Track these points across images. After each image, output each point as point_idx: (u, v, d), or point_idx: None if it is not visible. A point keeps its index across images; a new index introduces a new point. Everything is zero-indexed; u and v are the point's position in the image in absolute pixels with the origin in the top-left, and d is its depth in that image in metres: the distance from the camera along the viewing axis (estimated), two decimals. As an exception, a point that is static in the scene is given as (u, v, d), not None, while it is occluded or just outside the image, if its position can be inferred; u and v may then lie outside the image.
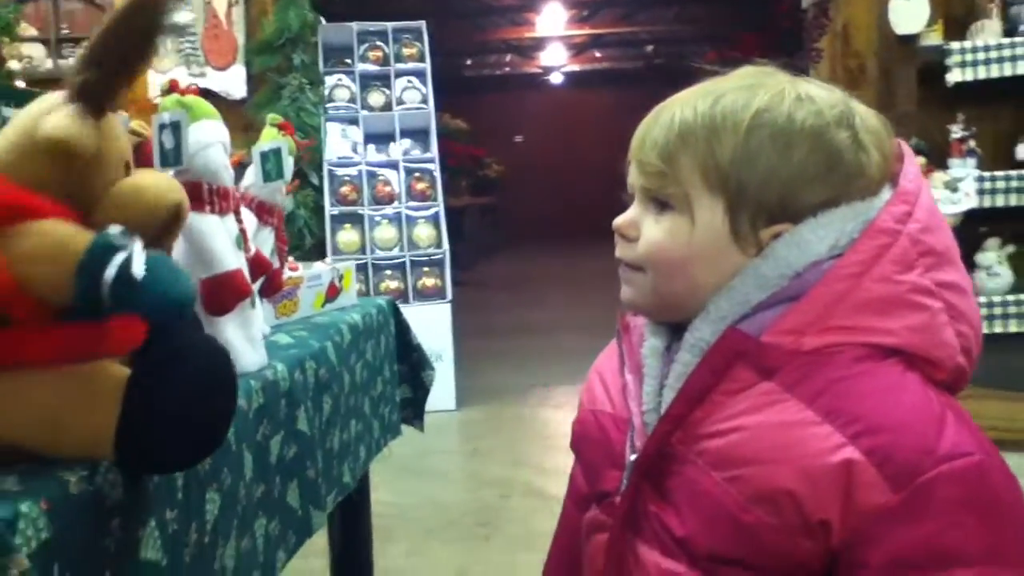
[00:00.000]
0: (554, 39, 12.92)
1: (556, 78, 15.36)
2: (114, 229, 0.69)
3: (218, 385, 0.73)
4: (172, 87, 1.04)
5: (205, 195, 1.03)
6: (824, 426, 0.70)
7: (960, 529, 0.68)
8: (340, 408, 1.40)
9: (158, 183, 0.78)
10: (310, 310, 1.58)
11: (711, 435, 0.75)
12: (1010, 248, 3.23)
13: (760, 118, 0.76)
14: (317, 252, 3.80)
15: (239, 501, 0.99)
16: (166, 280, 0.67)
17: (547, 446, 3.43)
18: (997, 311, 3.14)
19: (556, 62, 14.20)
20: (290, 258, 1.57)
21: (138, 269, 0.65)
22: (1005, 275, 3.21)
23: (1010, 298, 3.15)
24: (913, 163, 0.80)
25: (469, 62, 15.17)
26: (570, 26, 12.16)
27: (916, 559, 0.68)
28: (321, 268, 1.64)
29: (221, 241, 1.05)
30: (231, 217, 1.09)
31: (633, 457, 0.80)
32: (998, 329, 3.13)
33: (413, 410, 1.90)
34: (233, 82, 3.87)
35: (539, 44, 13.47)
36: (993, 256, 3.23)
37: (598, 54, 15.05)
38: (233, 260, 1.05)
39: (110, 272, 0.65)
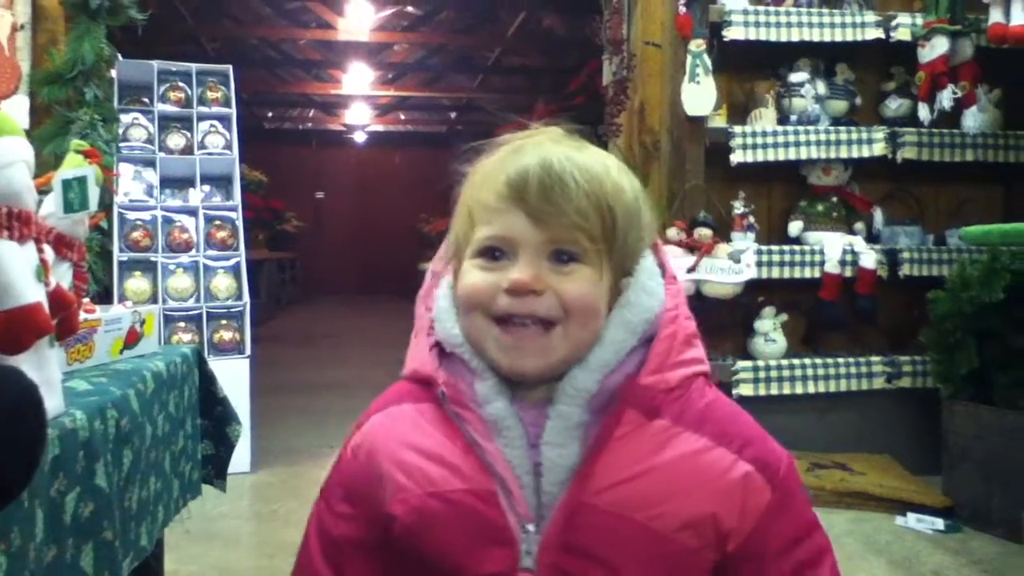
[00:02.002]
0: (359, 98, 12.93)
1: (360, 136, 15.34)
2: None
3: (28, 410, 0.65)
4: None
5: (4, 219, 0.93)
6: (718, 449, 0.81)
7: (805, 503, 0.84)
8: (140, 463, 1.28)
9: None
10: (107, 357, 1.45)
11: (622, 481, 0.78)
12: (784, 316, 3.53)
13: (624, 179, 0.84)
14: (101, 300, 3.51)
15: (27, 565, 0.88)
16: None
17: (348, 507, 3.30)
18: (773, 374, 3.41)
19: (360, 121, 14.20)
20: (86, 300, 1.44)
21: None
22: (780, 341, 3.49)
23: (784, 362, 3.43)
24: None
25: (271, 114, 14.87)
26: (376, 87, 12.24)
27: (797, 535, 0.82)
28: (121, 311, 1.52)
29: (20, 271, 0.94)
30: (31, 245, 0.98)
31: (532, 527, 0.78)
32: (774, 391, 3.39)
33: (215, 468, 1.78)
34: (14, 113, 3.55)
35: (344, 102, 13.44)
36: (769, 324, 3.51)
37: (403, 115, 15.22)
38: (33, 293, 0.95)
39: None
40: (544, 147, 0.82)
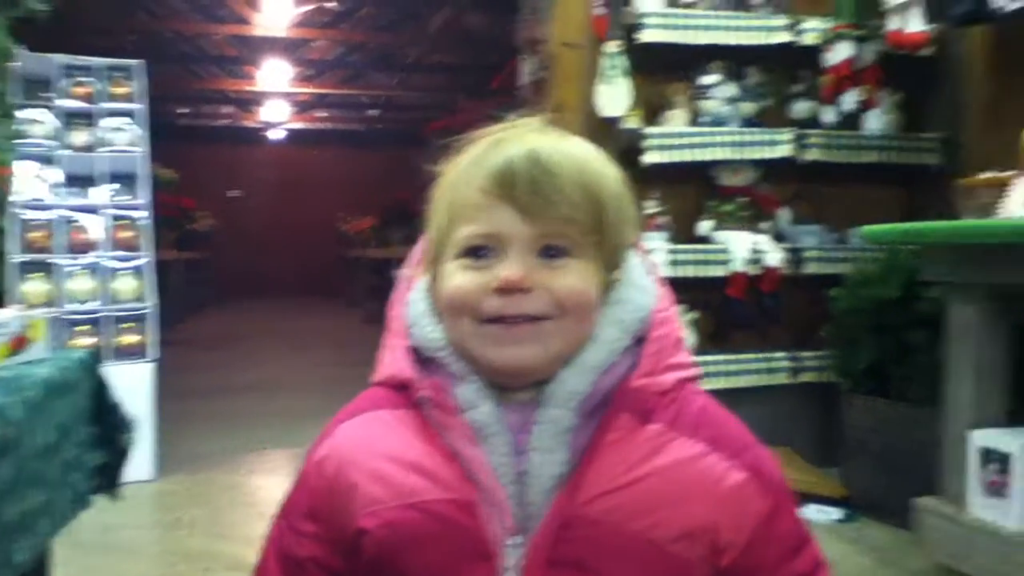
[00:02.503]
0: (276, 95, 12.69)
1: (277, 134, 15.06)
2: None
3: None
4: None
5: None
6: (713, 455, 0.78)
7: (797, 512, 0.83)
8: (22, 475, 1.22)
9: None
10: (-11, 363, 1.38)
11: (616, 489, 0.74)
12: (694, 314, 3.59)
13: (606, 169, 0.81)
14: (-3, 303, 3.36)
15: None
16: None
17: (256, 514, 3.22)
18: (685, 371, 3.46)
19: (278, 118, 13.94)
20: (-35, 304, 1.37)
21: None
22: (691, 339, 3.55)
23: (694, 359, 3.49)
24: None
25: (183, 110, 14.47)
26: (294, 84, 12.03)
27: (793, 543, 0.80)
28: (8, 315, 1.45)
29: None
30: None
31: (519, 539, 0.74)
32: (686, 387, 3.45)
33: (107, 478, 1.71)
34: (-100, 106, 3.36)
35: (260, 98, 13.17)
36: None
37: (322, 113, 15.00)
38: None
39: None
40: (528, 138, 0.78)
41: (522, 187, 0.75)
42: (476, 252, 0.77)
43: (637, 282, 0.82)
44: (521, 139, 0.79)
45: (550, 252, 0.77)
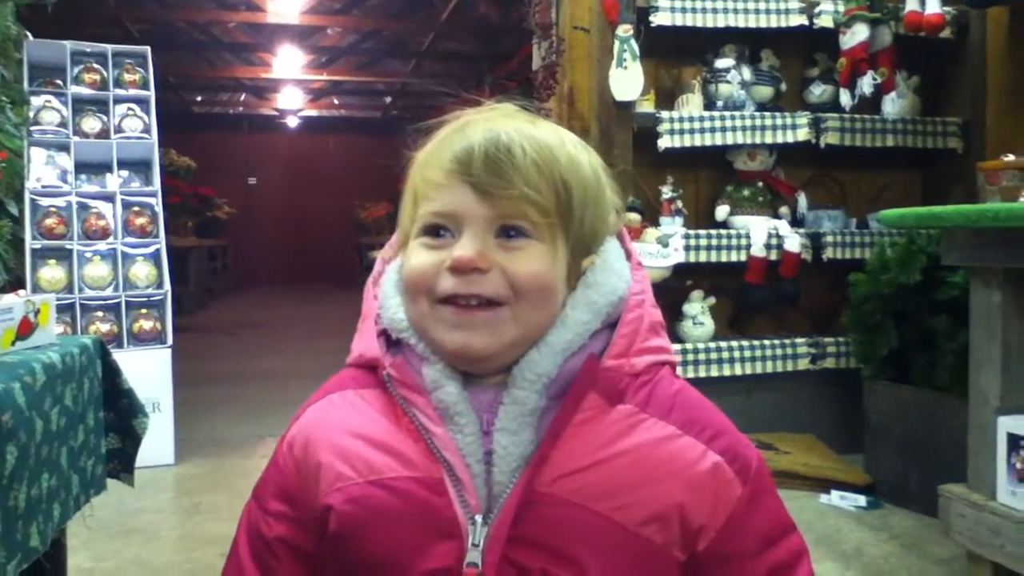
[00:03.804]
0: (291, 82, 12.69)
1: (292, 121, 15.08)
2: None
3: None
4: None
5: None
6: (686, 437, 0.76)
7: (779, 503, 0.81)
8: (28, 460, 1.22)
9: None
10: (-4, 349, 1.38)
11: (582, 469, 0.73)
12: (711, 300, 3.56)
13: (580, 153, 0.80)
14: (14, 290, 3.37)
15: None
16: None
17: (274, 499, 3.24)
18: (701, 357, 3.44)
19: (293, 105, 13.95)
20: (-27, 289, 1.37)
21: None
22: (708, 324, 3.52)
23: (712, 345, 3.47)
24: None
25: (200, 98, 14.51)
26: (308, 71, 12.02)
27: (772, 534, 0.79)
28: (12, 300, 1.44)
29: None
30: None
31: (479, 517, 0.73)
32: (702, 373, 3.42)
33: (122, 462, 1.71)
34: (-87, 93, 3.38)
35: (275, 86, 13.18)
36: (697, 307, 3.54)
37: (336, 100, 15.00)
38: None
39: None
40: (493, 121, 0.78)
41: (479, 166, 0.75)
42: (436, 231, 0.77)
43: (612, 266, 0.81)
44: (488, 121, 0.78)
45: (508, 233, 0.76)
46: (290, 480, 0.82)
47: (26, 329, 1.44)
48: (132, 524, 2.92)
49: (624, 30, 3.41)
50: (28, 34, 3.75)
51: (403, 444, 0.76)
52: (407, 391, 0.77)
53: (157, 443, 3.39)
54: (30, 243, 3.58)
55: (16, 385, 1.18)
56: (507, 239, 0.75)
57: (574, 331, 0.76)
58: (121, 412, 1.67)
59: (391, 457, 0.76)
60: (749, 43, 3.65)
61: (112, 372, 1.65)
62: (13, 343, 1.41)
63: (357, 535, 0.75)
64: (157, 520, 3.05)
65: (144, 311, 3.74)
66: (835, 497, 3.02)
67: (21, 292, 1.49)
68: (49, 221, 3.70)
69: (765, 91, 3.66)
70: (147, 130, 3.98)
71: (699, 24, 3.49)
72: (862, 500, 2.99)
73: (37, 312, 1.47)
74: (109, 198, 3.84)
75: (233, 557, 0.85)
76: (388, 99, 14.53)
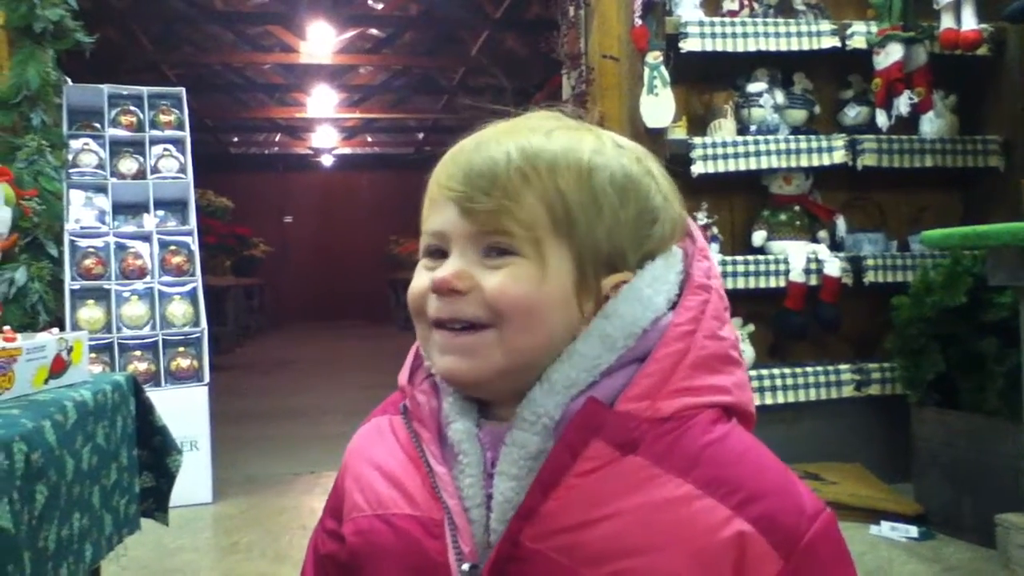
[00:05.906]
0: (325, 121, 12.88)
1: (327, 160, 15.28)
2: None
3: None
4: None
5: None
6: (707, 499, 0.64)
7: None
8: (59, 500, 1.20)
9: None
10: (28, 387, 1.37)
11: (578, 526, 0.64)
12: (750, 327, 3.49)
13: (596, 160, 0.70)
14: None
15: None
16: None
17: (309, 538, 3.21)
18: (741, 385, 3.37)
19: (327, 144, 14.14)
20: (6, 327, 1.36)
21: None
22: (748, 352, 3.45)
23: (752, 373, 3.39)
24: (692, 221, 0.78)
25: (236, 139, 14.78)
26: (341, 109, 12.20)
27: None
28: (46, 339, 1.44)
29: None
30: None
31: (467, 567, 0.66)
32: (743, 402, 3.35)
33: (156, 501, 1.69)
34: (-43, 140, 3.46)
35: (309, 125, 13.38)
36: (737, 335, 3.47)
37: (369, 138, 15.19)
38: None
39: None
40: (497, 128, 0.72)
41: (459, 180, 0.69)
42: (433, 252, 0.73)
43: (641, 293, 0.70)
44: (492, 129, 0.72)
45: (491, 251, 0.69)
46: (336, 498, 0.81)
47: (59, 367, 1.43)
48: (170, 564, 2.91)
49: (654, 57, 3.39)
50: (68, 79, 3.83)
51: (411, 480, 0.72)
52: (418, 425, 0.73)
53: (195, 481, 3.39)
54: (69, 284, 3.63)
55: (47, 423, 1.17)
56: (490, 257, 0.69)
57: (580, 367, 0.67)
58: (155, 450, 1.66)
59: (398, 492, 0.72)
60: (781, 66, 3.62)
61: (146, 409, 1.64)
62: (46, 381, 1.40)
63: (361, 567, 0.73)
64: (195, 560, 3.03)
65: (181, 349, 3.76)
66: (885, 528, 2.92)
67: (54, 330, 1.49)
68: (88, 262, 3.74)
69: (799, 114, 3.61)
70: (183, 170, 4.03)
71: (729, 49, 3.46)
72: (913, 531, 2.89)
73: (70, 350, 1.46)
74: (146, 238, 3.88)
75: (301, 573, 0.85)
76: (420, 135, 14.69)
